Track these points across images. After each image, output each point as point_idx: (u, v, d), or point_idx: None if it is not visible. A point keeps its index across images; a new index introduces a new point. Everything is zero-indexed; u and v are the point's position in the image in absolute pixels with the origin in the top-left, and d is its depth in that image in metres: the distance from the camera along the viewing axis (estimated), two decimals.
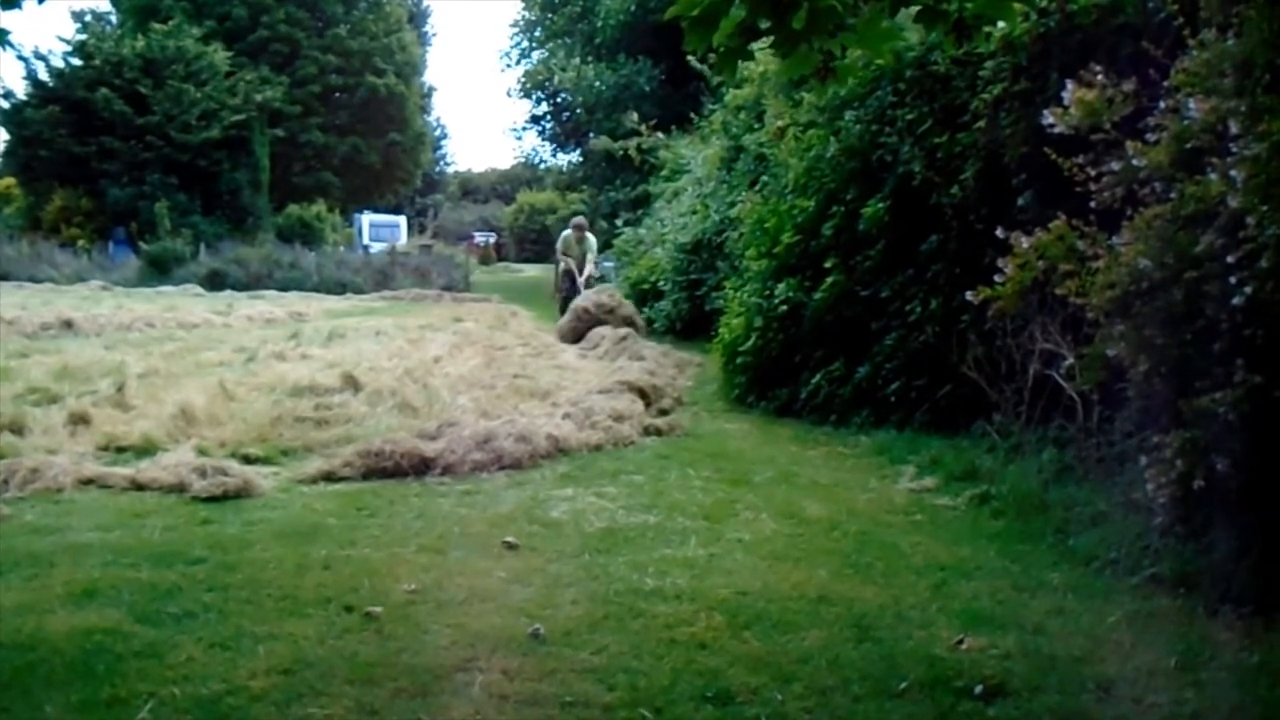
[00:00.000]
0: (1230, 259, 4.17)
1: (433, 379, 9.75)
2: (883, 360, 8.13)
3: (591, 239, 17.15)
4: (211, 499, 5.90)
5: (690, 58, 16.26)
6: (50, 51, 33.31)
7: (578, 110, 28.53)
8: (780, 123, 10.19)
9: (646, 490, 6.35)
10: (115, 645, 3.79)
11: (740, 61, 3.36)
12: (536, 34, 33.13)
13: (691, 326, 14.49)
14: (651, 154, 19.70)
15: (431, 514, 5.75)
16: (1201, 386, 4.37)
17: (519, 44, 34.46)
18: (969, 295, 6.06)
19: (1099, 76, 5.26)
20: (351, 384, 8.97)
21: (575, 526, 5.53)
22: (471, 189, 68.38)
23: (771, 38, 3.20)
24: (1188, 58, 4.68)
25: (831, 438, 8.07)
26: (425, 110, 49.55)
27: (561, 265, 17.05)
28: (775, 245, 9.27)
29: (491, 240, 50.34)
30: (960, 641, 3.96)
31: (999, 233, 5.83)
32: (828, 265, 8.60)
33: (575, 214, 19.27)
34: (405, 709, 3.37)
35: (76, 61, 33.30)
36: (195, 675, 3.56)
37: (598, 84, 25.99)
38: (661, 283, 15.69)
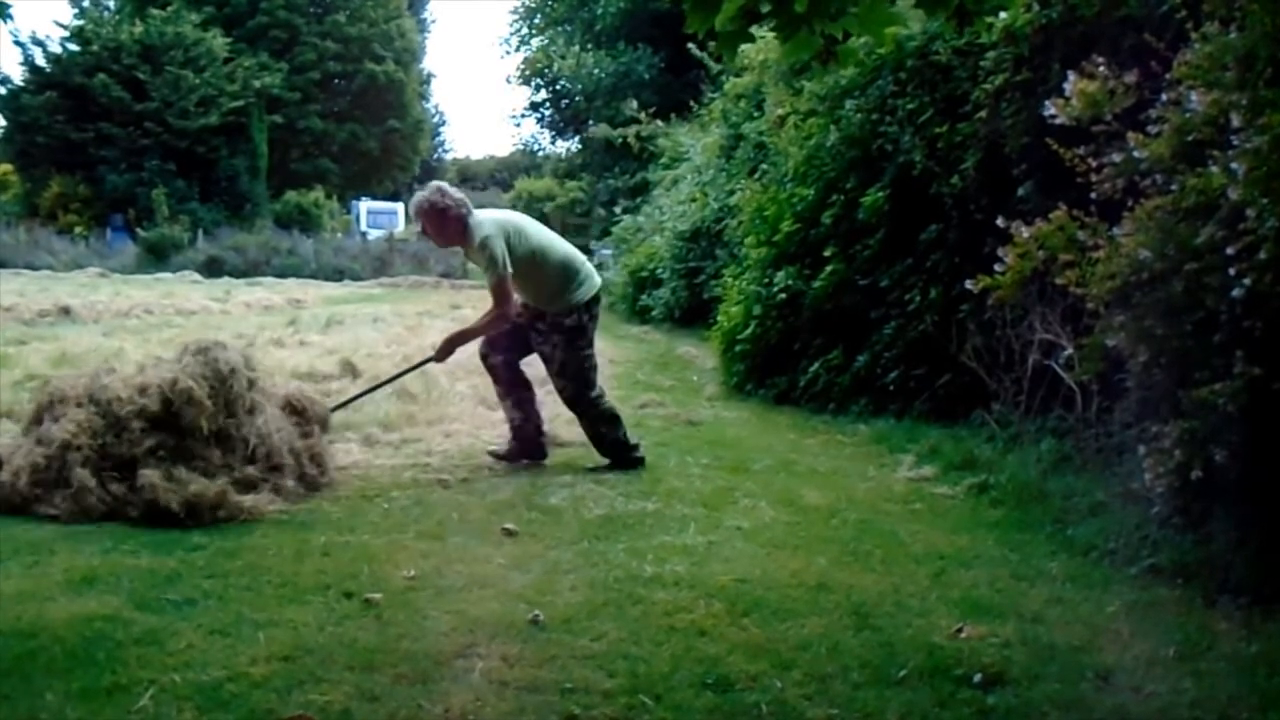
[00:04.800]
0: (1230, 251, 4.17)
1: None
2: (882, 349, 8.14)
3: (483, 232, 6.29)
4: None
5: (690, 46, 16.28)
6: (48, 37, 33.50)
7: (577, 98, 28.55)
8: (780, 111, 10.18)
9: (645, 477, 6.35)
10: (115, 632, 3.78)
11: (741, 45, 3.36)
12: (536, 21, 33.17)
13: (690, 314, 14.51)
14: (650, 142, 19.71)
15: (430, 500, 5.75)
16: (1201, 377, 4.37)
17: (518, 31, 34.54)
18: (968, 284, 6.06)
19: (1101, 68, 5.25)
20: (350, 370, 8.98)
21: (574, 513, 5.54)
22: (470, 176, 68.18)
23: (773, 21, 3.20)
24: (1190, 50, 4.67)
25: (830, 426, 8.08)
26: (424, 97, 49.55)
27: None
28: (774, 233, 9.28)
29: None
30: (959, 630, 3.97)
31: (999, 222, 5.83)
32: (827, 254, 8.60)
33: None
34: (405, 695, 3.37)
35: (74, 47, 33.31)
36: (195, 662, 3.55)
37: (597, 71, 26.02)
38: (660, 271, 15.71)
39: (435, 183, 6.61)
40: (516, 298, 6.51)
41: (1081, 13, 6.35)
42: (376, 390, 7.22)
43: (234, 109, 33.37)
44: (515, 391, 6.67)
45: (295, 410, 5.98)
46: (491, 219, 6.44)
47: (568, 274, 6.49)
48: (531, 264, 6.38)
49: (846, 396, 8.41)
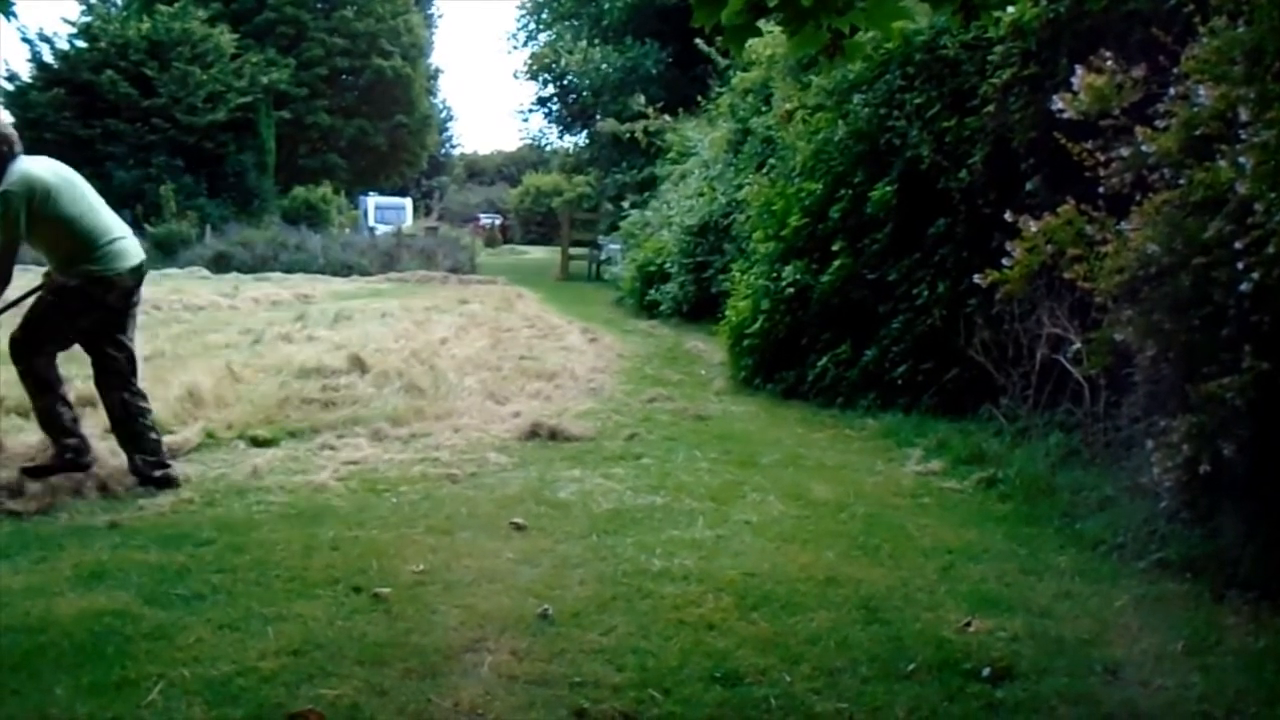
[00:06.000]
0: (1238, 245, 4.17)
1: (439, 360, 9.75)
2: (890, 343, 8.14)
3: (8, 183, 5.49)
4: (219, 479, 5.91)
5: (697, 41, 16.24)
6: (55, 34, 33.34)
7: (584, 92, 28.47)
8: (788, 106, 10.17)
9: (653, 472, 6.36)
10: (124, 627, 3.80)
11: (748, 39, 3.36)
12: (543, 16, 33.05)
13: (698, 309, 14.48)
14: (658, 136, 19.69)
15: (438, 495, 5.76)
16: (1209, 372, 4.37)
17: (526, 26, 34.40)
18: (976, 279, 6.06)
19: (1109, 62, 5.25)
20: (358, 365, 8.97)
21: (583, 508, 5.55)
22: (477, 171, 68.26)
23: (780, 15, 3.20)
24: (1198, 45, 4.66)
25: (838, 420, 8.08)
26: (431, 92, 49.44)
27: None
28: (782, 228, 9.26)
29: (497, 222, 50.21)
30: (968, 623, 3.97)
31: (1007, 217, 5.82)
32: (835, 248, 8.59)
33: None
34: (414, 689, 3.38)
35: (81, 43, 33.23)
36: (205, 656, 3.57)
37: (604, 66, 25.96)
38: (668, 265, 15.67)
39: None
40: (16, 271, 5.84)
41: (1089, 7, 6.33)
42: None
43: (242, 105, 33.33)
44: (55, 392, 5.93)
45: None
46: (26, 174, 5.54)
47: (90, 246, 5.78)
48: (56, 231, 5.73)
49: (854, 391, 8.40)
